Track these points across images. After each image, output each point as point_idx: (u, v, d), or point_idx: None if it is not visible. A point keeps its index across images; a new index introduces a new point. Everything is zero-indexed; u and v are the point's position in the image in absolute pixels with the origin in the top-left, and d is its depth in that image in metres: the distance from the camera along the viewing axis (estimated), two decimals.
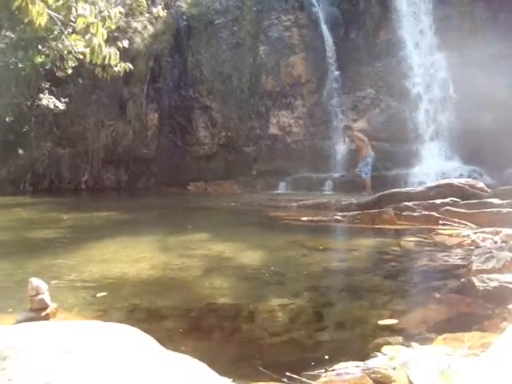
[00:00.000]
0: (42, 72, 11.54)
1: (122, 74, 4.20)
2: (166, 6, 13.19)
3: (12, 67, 11.15)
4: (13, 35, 10.80)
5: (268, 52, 12.49)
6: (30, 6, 2.87)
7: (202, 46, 13.16)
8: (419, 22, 11.37)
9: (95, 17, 3.23)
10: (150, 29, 12.96)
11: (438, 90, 11.06)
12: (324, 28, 11.96)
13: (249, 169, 12.28)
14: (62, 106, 11.66)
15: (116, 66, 3.83)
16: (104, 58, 3.49)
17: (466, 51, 9.80)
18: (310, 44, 12.14)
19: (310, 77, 12.26)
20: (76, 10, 3.26)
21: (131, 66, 4.18)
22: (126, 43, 4.02)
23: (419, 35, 11.35)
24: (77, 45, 4.41)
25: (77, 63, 7.36)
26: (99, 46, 3.30)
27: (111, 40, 3.44)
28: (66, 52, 7.16)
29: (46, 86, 11.90)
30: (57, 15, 3.38)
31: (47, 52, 8.54)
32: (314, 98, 12.20)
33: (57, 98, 11.70)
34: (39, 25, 3.00)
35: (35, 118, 12.45)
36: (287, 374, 1.69)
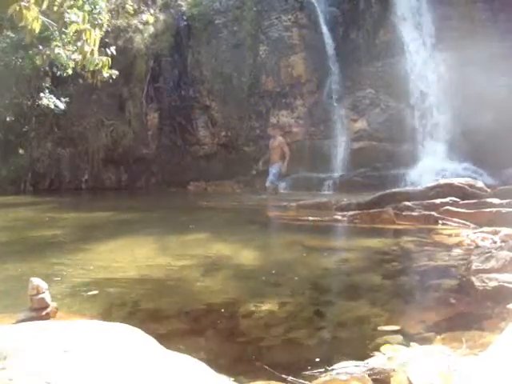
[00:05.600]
0: (42, 72, 11.54)
1: (111, 81, 4.23)
2: (166, 6, 13.20)
3: (13, 67, 11.15)
4: (13, 35, 10.80)
5: (268, 52, 12.48)
6: (25, 12, 2.89)
7: (202, 46, 13.14)
8: (419, 22, 11.37)
9: (87, 23, 3.25)
10: (150, 29, 12.96)
11: (437, 89, 11.06)
12: (324, 28, 11.96)
13: (249, 169, 12.27)
14: (62, 106, 11.65)
15: (107, 72, 3.85)
16: (96, 65, 3.51)
17: (466, 51, 9.80)
18: (310, 44, 12.13)
19: (310, 77, 12.25)
20: (69, 17, 3.28)
21: (117, 73, 4.21)
22: (113, 50, 4.03)
23: (419, 35, 11.35)
24: (67, 52, 4.44)
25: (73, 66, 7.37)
26: (91, 52, 3.31)
27: (101, 45, 3.44)
28: (58, 59, 7.18)
29: (47, 85, 11.90)
30: (50, 21, 3.39)
31: (48, 52, 8.54)
32: (314, 97, 12.19)
33: (57, 98, 11.70)
34: (34, 30, 3.02)
35: (36, 118, 12.45)
36: (287, 374, 1.69)
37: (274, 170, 10.25)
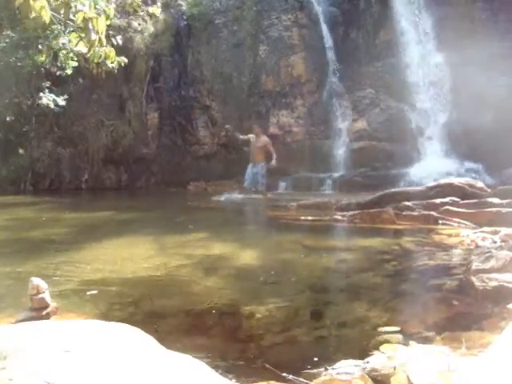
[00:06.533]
0: (42, 71, 11.53)
1: (116, 70, 4.11)
2: (166, 6, 13.20)
3: (13, 66, 11.15)
4: (13, 34, 10.80)
5: (268, 52, 12.47)
6: (32, 2, 2.86)
7: (202, 46, 13.14)
8: (419, 22, 11.36)
9: (94, 12, 3.21)
10: (151, 28, 12.96)
11: (437, 89, 11.05)
12: (324, 28, 11.95)
13: None
14: (62, 102, 11.62)
15: (111, 62, 3.79)
16: (100, 57, 3.47)
17: (466, 51, 9.79)
18: (310, 44, 12.13)
19: (310, 77, 12.24)
20: (75, 6, 3.23)
21: (125, 60, 4.11)
22: (119, 39, 3.94)
23: (419, 35, 11.34)
24: (72, 42, 4.36)
25: (77, 64, 7.34)
26: (100, 41, 3.27)
27: (107, 38, 3.39)
28: (62, 51, 7.14)
29: (47, 85, 11.89)
30: (54, 14, 3.36)
31: (47, 48, 8.53)
32: (314, 97, 12.19)
33: (57, 96, 11.69)
34: (42, 21, 2.97)
35: (36, 118, 12.45)
36: (288, 373, 1.69)
37: (258, 169, 9.71)
